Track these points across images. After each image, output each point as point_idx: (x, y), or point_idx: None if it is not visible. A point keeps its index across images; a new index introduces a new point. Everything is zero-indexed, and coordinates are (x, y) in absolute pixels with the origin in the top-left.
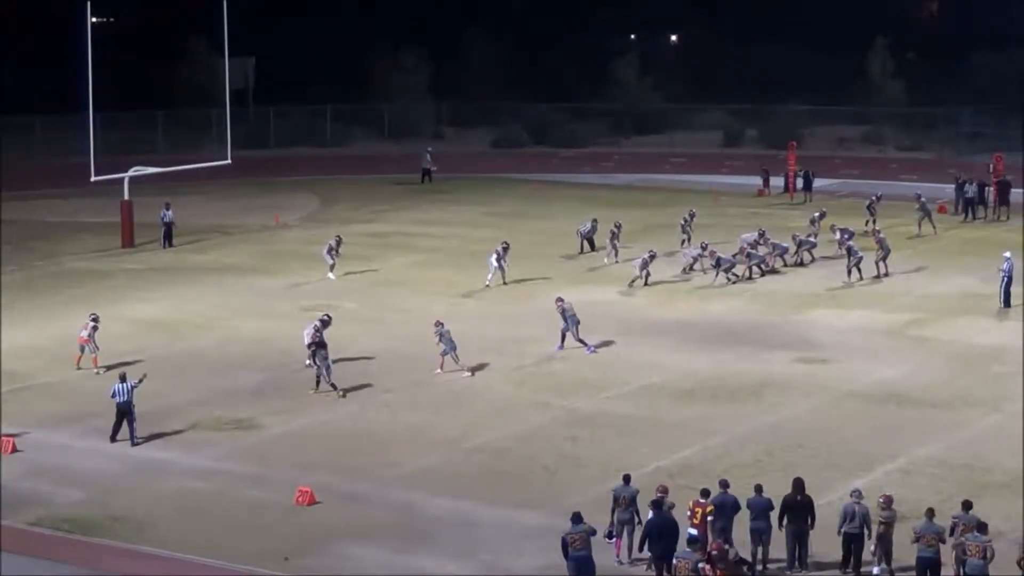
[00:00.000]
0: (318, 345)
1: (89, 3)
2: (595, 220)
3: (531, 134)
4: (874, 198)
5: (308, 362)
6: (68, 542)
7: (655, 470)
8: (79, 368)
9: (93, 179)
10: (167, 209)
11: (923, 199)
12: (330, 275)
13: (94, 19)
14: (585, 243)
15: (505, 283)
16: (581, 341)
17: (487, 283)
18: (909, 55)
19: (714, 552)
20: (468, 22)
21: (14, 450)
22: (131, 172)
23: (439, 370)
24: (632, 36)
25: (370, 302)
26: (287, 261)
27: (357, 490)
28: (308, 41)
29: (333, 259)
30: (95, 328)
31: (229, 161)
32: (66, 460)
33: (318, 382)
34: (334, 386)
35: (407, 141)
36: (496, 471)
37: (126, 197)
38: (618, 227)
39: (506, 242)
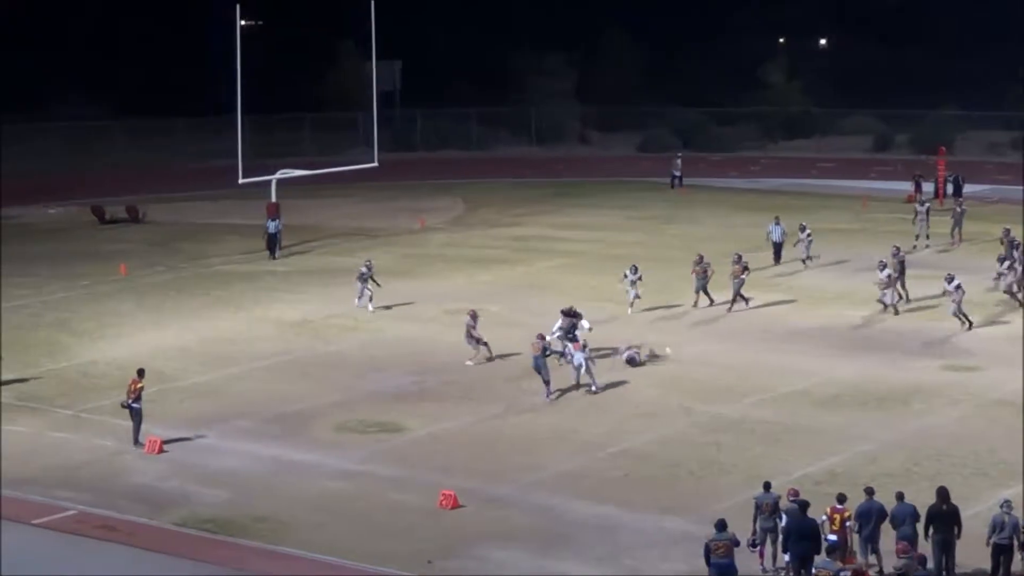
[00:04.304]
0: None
1: (239, 7)
2: (777, 218)
3: (678, 138)
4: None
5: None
6: (211, 542)
7: (800, 477)
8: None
9: (241, 181)
10: (271, 219)
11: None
12: (358, 302)
13: (243, 22)
14: (776, 251)
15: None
16: None
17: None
18: None
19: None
20: (612, 25)
21: (161, 450)
22: (278, 175)
23: None
24: (781, 40)
25: (513, 305)
26: (432, 264)
27: (500, 494)
28: (454, 44)
29: (365, 288)
30: (474, 320)
31: (376, 164)
32: (211, 460)
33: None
34: None
35: (552, 145)
36: (640, 476)
37: (273, 199)
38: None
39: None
